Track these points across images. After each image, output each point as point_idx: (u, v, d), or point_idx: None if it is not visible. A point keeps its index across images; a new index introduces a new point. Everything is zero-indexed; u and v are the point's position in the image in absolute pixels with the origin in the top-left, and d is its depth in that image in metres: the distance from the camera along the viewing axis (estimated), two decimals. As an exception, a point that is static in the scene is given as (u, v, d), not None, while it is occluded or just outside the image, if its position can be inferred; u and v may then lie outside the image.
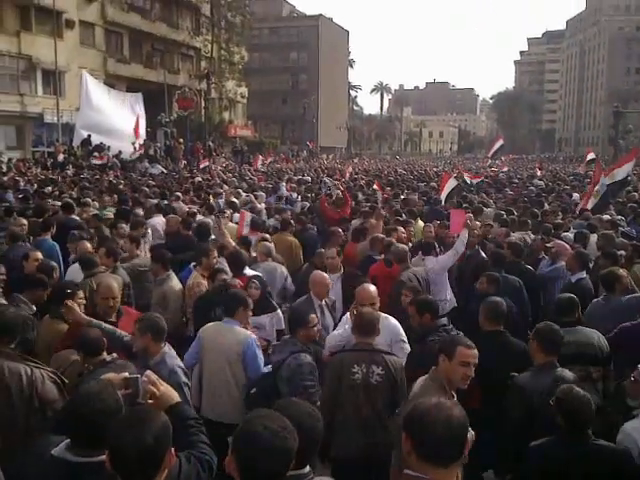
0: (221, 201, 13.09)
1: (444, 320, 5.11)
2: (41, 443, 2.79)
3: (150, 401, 2.95)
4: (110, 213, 10.71)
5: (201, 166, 26.03)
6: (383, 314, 5.21)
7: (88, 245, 7.37)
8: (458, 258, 7.81)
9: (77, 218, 10.12)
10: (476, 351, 3.81)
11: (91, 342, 4.10)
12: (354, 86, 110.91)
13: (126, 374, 3.09)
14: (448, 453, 2.29)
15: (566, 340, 4.66)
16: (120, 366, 3.77)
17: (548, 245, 8.25)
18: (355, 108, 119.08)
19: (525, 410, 4.17)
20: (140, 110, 34.64)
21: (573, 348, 4.84)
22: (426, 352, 4.77)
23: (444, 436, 2.26)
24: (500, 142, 26.32)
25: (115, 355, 4.13)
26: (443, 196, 14.26)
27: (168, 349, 4.36)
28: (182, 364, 4.49)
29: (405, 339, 5.24)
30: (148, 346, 4.28)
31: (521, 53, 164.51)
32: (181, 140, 37.28)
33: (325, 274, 6.29)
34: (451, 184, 14.60)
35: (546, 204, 13.58)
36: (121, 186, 16.60)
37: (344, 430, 4.41)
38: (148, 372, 3.17)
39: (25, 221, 8.84)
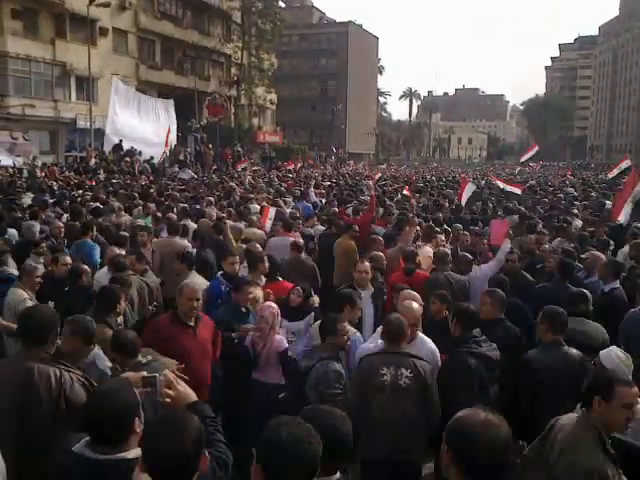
0: (255, 207, 13.03)
1: (475, 331, 4.95)
2: (64, 440, 2.82)
3: (167, 400, 2.97)
4: (142, 220, 10.83)
5: (239, 168, 25.95)
6: (420, 335, 5.12)
7: (116, 250, 7.50)
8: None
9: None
10: (637, 389, 3.23)
11: (128, 344, 4.14)
12: (383, 92, 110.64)
13: (144, 373, 3.12)
14: (490, 470, 2.30)
15: (575, 328, 4.96)
16: (155, 368, 3.78)
17: (582, 256, 7.93)
18: (384, 114, 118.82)
19: (532, 382, 4.51)
20: (171, 116, 35.03)
21: (580, 337, 4.97)
22: (454, 365, 4.76)
23: (488, 454, 2.27)
24: (535, 149, 26.06)
25: (150, 357, 4.15)
26: (463, 201, 14.14)
27: (98, 350, 4.33)
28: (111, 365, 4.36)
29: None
30: (79, 348, 4.16)
31: (552, 59, 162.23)
32: (210, 146, 37.62)
33: (414, 303, 5.36)
34: (470, 188, 14.49)
35: (576, 210, 13.36)
36: (151, 190, 16.82)
37: (371, 432, 4.38)
38: (166, 371, 3.20)
39: (62, 224, 9.02)
